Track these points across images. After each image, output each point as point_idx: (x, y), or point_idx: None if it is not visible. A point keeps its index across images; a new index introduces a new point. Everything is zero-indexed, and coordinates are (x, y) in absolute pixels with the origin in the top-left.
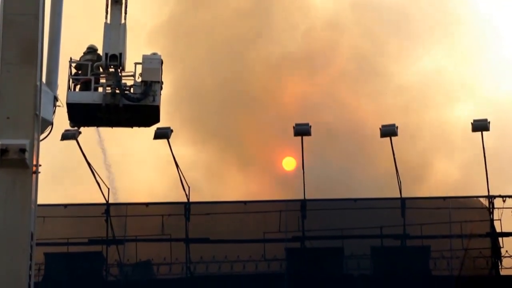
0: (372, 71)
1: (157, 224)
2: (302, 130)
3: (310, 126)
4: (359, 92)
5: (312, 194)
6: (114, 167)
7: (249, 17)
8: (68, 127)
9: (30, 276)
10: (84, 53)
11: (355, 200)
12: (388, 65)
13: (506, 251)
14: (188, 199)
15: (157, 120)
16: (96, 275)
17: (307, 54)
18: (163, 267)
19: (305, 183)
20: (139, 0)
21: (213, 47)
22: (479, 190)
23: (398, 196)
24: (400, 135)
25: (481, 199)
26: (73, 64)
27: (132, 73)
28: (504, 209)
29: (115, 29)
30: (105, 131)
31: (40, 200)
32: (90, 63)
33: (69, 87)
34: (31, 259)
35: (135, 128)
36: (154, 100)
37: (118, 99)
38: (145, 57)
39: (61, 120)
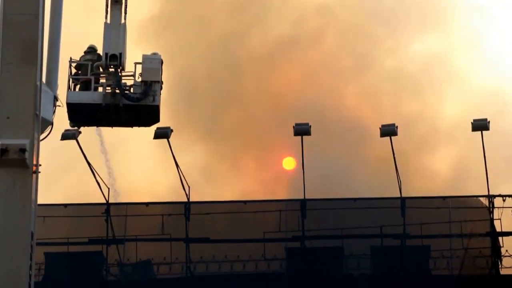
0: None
1: (157, 224)
2: (302, 130)
3: (310, 126)
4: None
5: (312, 193)
6: (114, 167)
7: (243, 11)
8: (68, 127)
9: (30, 275)
10: (84, 52)
11: (355, 199)
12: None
13: (506, 251)
14: (188, 199)
15: (157, 120)
16: (96, 275)
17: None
18: (163, 266)
19: (305, 183)
20: None
21: (207, 42)
22: (479, 189)
23: (398, 195)
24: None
25: (481, 199)
26: (73, 64)
27: (132, 73)
28: (504, 208)
29: (115, 29)
30: (105, 131)
31: (40, 200)
32: (90, 63)
33: (69, 87)
34: (31, 259)
35: (135, 128)
36: (154, 100)
37: (118, 99)
38: (145, 57)
39: (61, 120)
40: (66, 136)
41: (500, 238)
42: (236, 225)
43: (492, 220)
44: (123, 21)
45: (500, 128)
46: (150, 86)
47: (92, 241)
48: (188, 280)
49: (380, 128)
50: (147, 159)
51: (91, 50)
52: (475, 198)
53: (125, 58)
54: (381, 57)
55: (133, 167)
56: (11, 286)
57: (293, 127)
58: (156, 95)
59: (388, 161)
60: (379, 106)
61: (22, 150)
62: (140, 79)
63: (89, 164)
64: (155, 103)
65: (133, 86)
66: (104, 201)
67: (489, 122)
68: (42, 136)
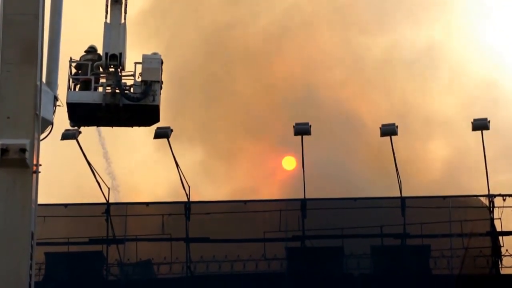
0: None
1: (158, 224)
2: (302, 130)
3: (310, 126)
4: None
5: (312, 193)
6: (114, 167)
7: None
8: (68, 127)
9: (30, 275)
10: (85, 52)
11: (355, 199)
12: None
13: (507, 250)
14: (188, 199)
15: (157, 119)
16: (97, 275)
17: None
18: (163, 266)
19: (305, 182)
20: None
21: (201, 37)
22: (479, 189)
23: (398, 195)
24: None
25: (481, 198)
26: (73, 64)
27: (132, 73)
28: (504, 208)
29: (115, 29)
30: (105, 130)
31: (41, 200)
32: (90, 63)
33: (69, 87)
34: (31, 259)
35: (135, 128)
36: (154, 99)
37: (118, 99)
38: (145, 57)
39: (61, 119)
40: (66, 136)
41: (500, 238)
42: (236, 225)
43: (492, 219)
44: (123, 21)
45: (499, 123)
46: (150, 86)
47: (92, 241)
48: (188, 280)
49: (380, 128)
50: (147, 159)
51: (92, 50)
52: (475, 197)
53: (125, 58)
54: (376, 49)
55: (133, 167)
56: (12, 286)
57: (293, 126)
58: (156, 95)
59: (388, 160)
60: (377, 103)
61: (22, 150)
62: (140, 79)
63: (89, 164)
64: (155, 103)
65: (133, 86)
66: (104, 201)
67: (489, 121)
68: (42, 136)
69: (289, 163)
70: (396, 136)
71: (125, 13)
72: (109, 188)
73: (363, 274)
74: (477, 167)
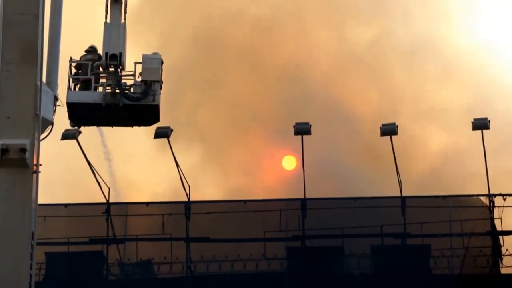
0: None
1: (158, 223)
2: (302, 129)
3: (310, 126)
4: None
5: (312, 193)
6: (114, 167)
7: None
8: (68, 127)
9: (30, 275)
10: (85, 51)
11: (355, 199)
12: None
13: (507, 250)
14: (189, 198)
15: (157, 119)
16: (97, 275)
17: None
18: (163, 266)
19: (305, 182)
20: None
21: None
22: (480, 188)
23: (398, 194)
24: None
25: (482, 198)
26: (73, 64)
27: (132, 73)
28: (504, 207)
29: (115, 29)
30: (106, 130)
31: (41, 200)
32: (90, 63)
33: (69, 87)
34: (31, 259)
35: (135, 128)
36: (154, 99)
37: (118, 99)
38: (145, 57)
39: (61, 119)
40: (66, 136)
41: (500, 237)
42: (237, 225)
43: (492, 219)
44: (123, 20)
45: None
46: (150, 85)
47: (92, 241)
48: (189, 279)
49: (380, 128)
50: (147, 158)
51: (92, 50)
52: (475, 197)
53: (125, 58)
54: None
55: (133, 167)
56: (12, 286)
57: (293, 126)
58: (156, 94)
59: (388, 160)
60: (375, 99)
61: (23, 150)
62: (140, 79)
63: (89, 163)
64: (155, 103)
65: (133, 85)
66: (105, 201)
67: (489, 121)
68: (42, 136)
69: (289, 163)
70: (396, 135)
71: (125, 13)
72: (109, 188)
73: (363, 273)
74: (478, 167)
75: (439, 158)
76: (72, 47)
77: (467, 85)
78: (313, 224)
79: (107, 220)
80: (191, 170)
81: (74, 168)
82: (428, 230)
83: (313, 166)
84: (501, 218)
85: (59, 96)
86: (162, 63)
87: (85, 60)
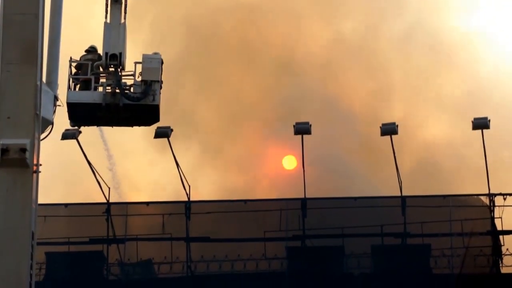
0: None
1: (158, 223)
2: (302, 129)
3: (310, 125)
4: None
5: (312, 192)
6: (114, 166)
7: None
8: (68, 127)
9: (31, 275)
10: (85, 51)
11: (356, 198)
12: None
13: (507, 249)
14: (189, 198)
15: (157, 119)
16: (97, 274)
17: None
18: (164, 266)
19: (305, 182)
20: None
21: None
22: (480, 188)
23: (399, 194)
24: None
25: (482, 197)
26: (73, 64)
27: (132, 73)
28: (505, 207)
29: (115, 29)
30: (106, 130)
31: (41, 200)
32: (90, 63)
33: (69, 87)
34: (32, 259)
35: (135, 127)
36: (154, 99)
37: (118, 99)
38: (145, 57)
39: (61, 119)
40: (66, 135)
41: (501, 237)
42: (237, 224)
43: (492, 218)
44: (123, 20)
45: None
46: (150, 85)
47: (92, 241)
48: (189, 279)
49: (380, 127)
50: (147, 158)
51: (92, 50)
52: (476, 196)
53: (125, 58)
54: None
55: (133, 167)
56: (12, 286)
57: (294, 126)
58: (156, 94)
59: (388, 160)
60: (375, 97)
61: (23, 150)
62: (140, 79)
63: (89, 163)
64: (155, 103)
65: (133, 85)
66: (105, 201)
67: (489, 120)
68: (42, 136)
69: (289, 162)
70: (396, 135)
71: (125, 13)
72: (109, 188)
73: (363, 273)
74: (477, 166)
75: (438, 152)
76: (72, 47)
77: (465, 75)
78: (313, 223)
79: (107, 220)
80: (191, 170)
81: (74, 168)
82: (428, 229)
83: (313, 165)
84: (501, 218)
85: (59, 96)
86: (162, 63)
87: (85, 60)
